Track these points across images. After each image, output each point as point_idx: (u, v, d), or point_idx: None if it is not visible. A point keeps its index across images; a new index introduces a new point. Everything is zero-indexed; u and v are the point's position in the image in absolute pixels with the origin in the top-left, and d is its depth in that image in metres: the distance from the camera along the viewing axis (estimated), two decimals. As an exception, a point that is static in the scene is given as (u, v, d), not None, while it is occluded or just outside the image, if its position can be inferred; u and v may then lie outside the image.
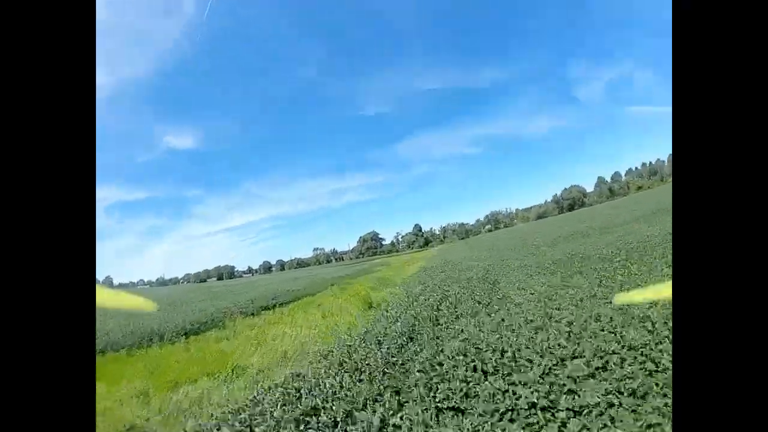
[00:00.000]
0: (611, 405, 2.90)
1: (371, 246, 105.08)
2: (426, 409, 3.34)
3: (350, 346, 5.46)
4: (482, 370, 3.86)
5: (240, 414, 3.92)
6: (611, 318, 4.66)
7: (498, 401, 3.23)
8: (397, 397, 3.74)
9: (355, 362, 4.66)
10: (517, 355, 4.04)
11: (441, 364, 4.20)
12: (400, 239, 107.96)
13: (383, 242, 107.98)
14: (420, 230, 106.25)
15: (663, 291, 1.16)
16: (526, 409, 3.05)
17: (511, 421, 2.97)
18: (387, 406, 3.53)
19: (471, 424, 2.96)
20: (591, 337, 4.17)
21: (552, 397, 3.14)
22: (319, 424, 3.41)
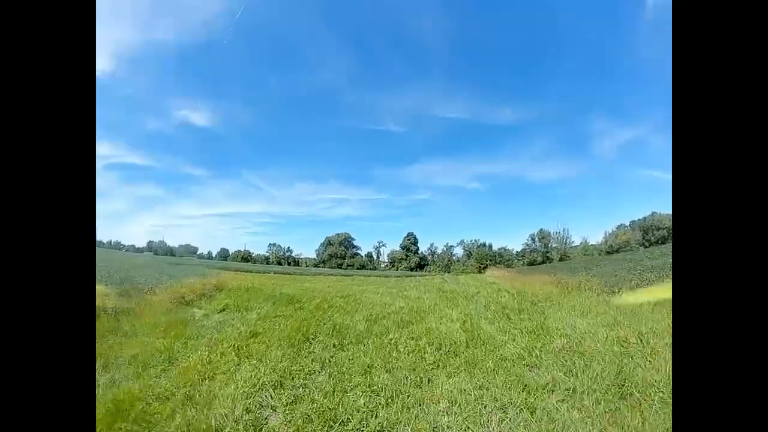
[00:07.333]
0: None
1: (336, 254, 70.09)
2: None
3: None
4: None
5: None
6: None
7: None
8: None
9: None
10: None
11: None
12: (382, 254, 72.71)
13: (357, 252, 73.36)
14: (415, 242, 68.22)
15: (662, 292, 1.15)
16: None
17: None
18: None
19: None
20: None
21: None
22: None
